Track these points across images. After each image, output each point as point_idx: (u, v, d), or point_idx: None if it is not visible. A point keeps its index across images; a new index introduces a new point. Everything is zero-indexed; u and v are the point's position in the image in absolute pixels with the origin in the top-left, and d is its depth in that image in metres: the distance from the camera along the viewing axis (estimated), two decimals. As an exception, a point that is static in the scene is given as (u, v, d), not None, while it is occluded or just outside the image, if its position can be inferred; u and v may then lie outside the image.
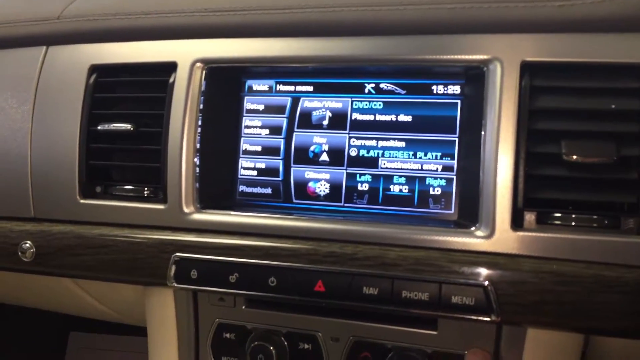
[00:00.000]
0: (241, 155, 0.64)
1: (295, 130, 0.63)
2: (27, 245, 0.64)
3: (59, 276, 0.67)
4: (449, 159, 0.58)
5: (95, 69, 0.64)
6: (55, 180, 0.64)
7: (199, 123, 0.61)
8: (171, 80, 0.61)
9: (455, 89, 0.59)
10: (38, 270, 0.65)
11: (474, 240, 0.52)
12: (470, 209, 0.54)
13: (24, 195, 0.65)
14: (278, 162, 0.63)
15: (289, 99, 0.63)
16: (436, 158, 0.58)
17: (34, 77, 0.66)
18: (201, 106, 0.61)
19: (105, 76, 0.64)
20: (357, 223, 0.56)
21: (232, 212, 0.60)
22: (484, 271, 0.51)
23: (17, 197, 0.65)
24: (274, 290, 0.56)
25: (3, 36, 0.69)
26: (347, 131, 0.61)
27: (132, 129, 0.62)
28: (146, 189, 0.63)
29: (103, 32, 0.65)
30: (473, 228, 0.53)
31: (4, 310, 1.53)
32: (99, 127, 0.63)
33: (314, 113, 0.62)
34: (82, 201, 0.63)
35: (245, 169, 0.64)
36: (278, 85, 0.64)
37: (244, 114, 0.65)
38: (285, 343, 0.62)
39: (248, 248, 0.57)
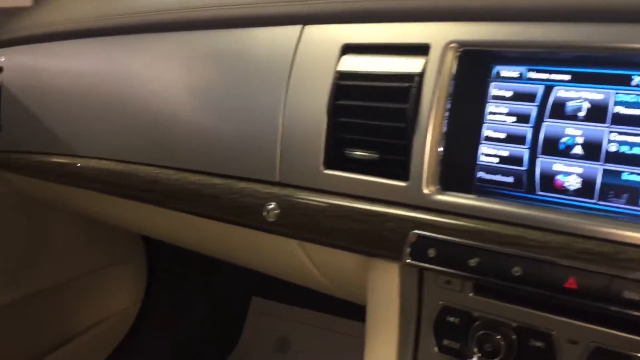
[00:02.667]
0: (482, 142, 0.63)
1: (545, 119, 0.60)
2: (272, 206, 0.70)
3: (296, 238, 0.72)
4: None
5: (347, 47, 0.68)
6: (301, 150, 0.69)
7: (447, 107, 0.61)
8: (422, 61, 0.62)
9: None
10: (279, 231, 0.71)
11: None
12: None
13: (271, 161, 0.71)
14: (523, 151, 0.61)
15: (541, 87, 0.61)
16: None
17: (290, 53, 0.71)
18: (450, 90, 0.61)
19: (357, 52, 0.67)
20: (617, 222, 0.53)
21: (474, 196, 0.60)
22: None
23: (265, 163, 0.71)
24: (518, 280, 0.55)
25: (261, 15, 0.76)
26: (606, 124, 0.57)
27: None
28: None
29: (357, 12, 0.68)
30: None
31: (200, 265, 1.71)
32: (343, 102, 0.66)
33: (569, 103, 0.59)
34: (325, 171, 0.67)
35: (485, 155, 0.63)
36: (529, 72, 0.62)
37: (489, 100, 0.63)
38: (514, 337, 0.60)
39: (491, 234, 0.57)
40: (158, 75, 0.83)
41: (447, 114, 0.61)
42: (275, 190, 0.70)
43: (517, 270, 0.55)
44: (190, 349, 1.75)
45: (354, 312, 1.65)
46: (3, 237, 1.26)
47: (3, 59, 0.98)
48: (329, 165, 0.67)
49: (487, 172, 0.63)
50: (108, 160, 0.86)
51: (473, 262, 0.57)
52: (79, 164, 0.88)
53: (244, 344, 1.77)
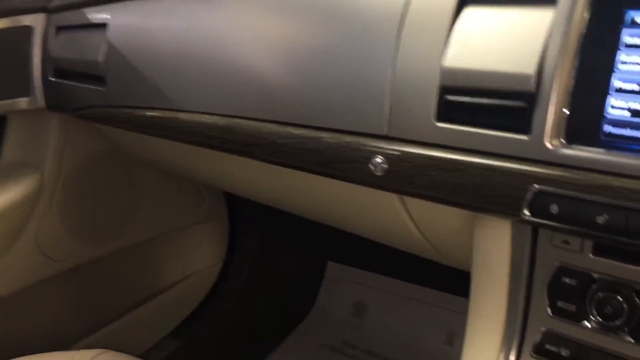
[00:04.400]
0: (611, 93, 0.59)
1: (690, 69, 0.56)
2: (379, 160, 0.69)
3: (403, 194, 0.71)
4: None
5: (466, -5, 0.65)
6: (412, 102, 0.67)
7: (577, 57, 0.58)
8: (551, 6, 0.59)
9: None
10: (386, 186, 0.70)
11: None
12: None
13: (380, 114, 0.70)
14: (658, 104, 0.57)
15: (683, 34, 0.56)
16: None
17: (402, 1, 0.69)
18: (580, 39, 0.58)
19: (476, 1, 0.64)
20: None
21: (604, 150, 0.56)
22: None
23: (373, 116, 0.70)
24: (653, 240, 0.51)
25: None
26: None
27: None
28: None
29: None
30: None
31: (278, 228, 1.73)
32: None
33: None
34: (437, 124, 0.65)
35: (614, 108, 0.59)
36: (670, 18, 0.57)
37: (621, 48, 0.59)
38: (637, 300, 0.57)
39: (625, 190, 0.53)
40: (257, 28, 0.83)
41: (577, 64, 0.58)
42: (382, 144, 0.69)
43: (653, 229, 0.51)
44: (267, 310, 1.79)
45: (430, 280, 1.64)
46: (103, 192, 1.32)
47: (109, 16, 1.01)
48: (440, 117, 0.65)
49: (615, 126, 0.59)
50: (210, 114, 0.87)
51: (601, 219, 0.54)
52: (182, 118, 0.90)
53: (320, 307, 1.79)
